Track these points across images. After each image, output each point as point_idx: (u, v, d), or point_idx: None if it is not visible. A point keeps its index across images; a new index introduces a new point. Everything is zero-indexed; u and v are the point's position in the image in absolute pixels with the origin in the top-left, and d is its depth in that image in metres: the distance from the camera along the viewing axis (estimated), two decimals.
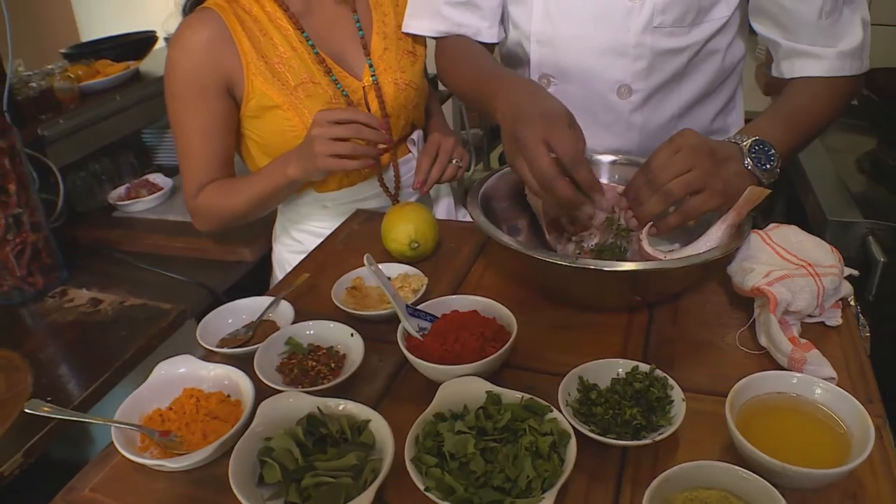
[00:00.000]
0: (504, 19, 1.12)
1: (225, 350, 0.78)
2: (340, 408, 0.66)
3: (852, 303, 0.83)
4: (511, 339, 0.72)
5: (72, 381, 1.00)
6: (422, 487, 0.56)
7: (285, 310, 0.85)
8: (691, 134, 0.83)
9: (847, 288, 0.83)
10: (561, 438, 0.61)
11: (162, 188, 1.58)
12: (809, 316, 0.80)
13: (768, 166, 0.85)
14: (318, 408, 0.66)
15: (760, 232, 0.85)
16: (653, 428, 0.63)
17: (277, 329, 0.82)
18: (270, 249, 1.31)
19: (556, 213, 0.93)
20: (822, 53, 0.95)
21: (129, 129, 1.64)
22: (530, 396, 0.65)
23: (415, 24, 1.14)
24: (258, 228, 1.32)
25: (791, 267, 0.79)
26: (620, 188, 0.92)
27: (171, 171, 1.68)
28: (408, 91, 1.18)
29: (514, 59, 1.15)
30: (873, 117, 1.44)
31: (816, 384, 0.63)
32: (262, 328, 0.84)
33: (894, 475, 0.59)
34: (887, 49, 1.52)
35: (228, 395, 0.72)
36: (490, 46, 1.13)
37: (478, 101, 1.00)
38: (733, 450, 0.61)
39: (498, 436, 0.61)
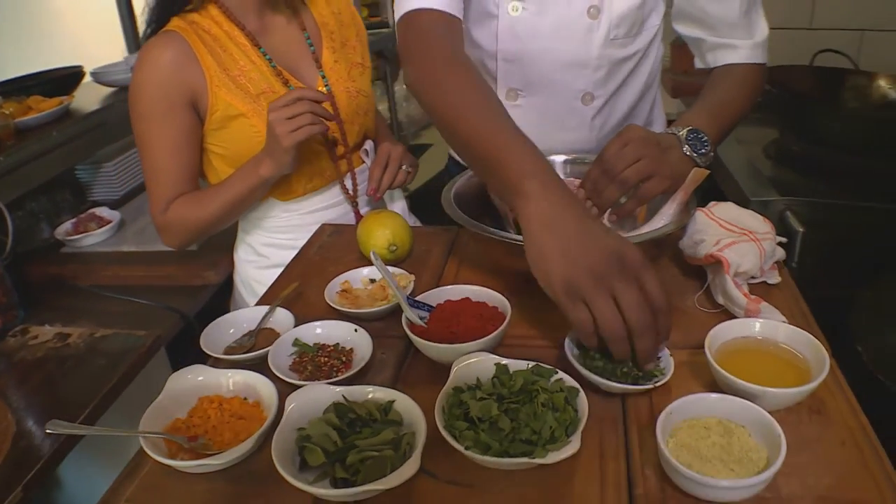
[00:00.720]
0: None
1: (234, 357, 0.81)
2: (363, 393, 0.71)
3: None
4: (508, 316, 0.79)
5: (59, 412, 0.98)
6: (462, 448, 0.62)
7: (283, 316, 0.88)
8: (636, 128, 0.93)
9: (780, 252, 0.95)
10: (571, 393, 0.68)
11: (111, 221, 1.56)
12: (752, 277, 0.91)
13: (703, 151, 0.96)
14: (343, 395, 0.70)
15: (704, 209, 0.96)
16: (647, 378, 0.72)
17: (277, 335, 0.86)
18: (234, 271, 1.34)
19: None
20: (740, 45, 1.09)
21: (66, 164, 1.61)
22: (536, 363, 0.72)
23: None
24: (221, 250, 1.34)
25: (735, 235, 0.91)
26: (577, 182, 1.01)
27: (112, 206, 1.65)
28: (359, 98, 1.26)
29: None
30: (775, 109, 1.63)
31: (777, 326, 0.74)
32: (262, 336, 0.87)
33: (845, 392, 0.71)
34: (783, 49, 1.73)
35: (246, 398, 0.75)
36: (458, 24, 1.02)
37: (481, 160, 0.84)
38: (716, 387, 0.70)
39: (515, 398, 0.68)
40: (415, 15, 0.97)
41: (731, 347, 0.74)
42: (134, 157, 1.91)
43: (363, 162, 1.30)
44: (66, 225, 1.56)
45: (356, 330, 0.83)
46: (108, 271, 1.40)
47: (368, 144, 1.30)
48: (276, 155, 1.08)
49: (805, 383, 0.66)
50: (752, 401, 0.64)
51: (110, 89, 1.92)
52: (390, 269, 0.98)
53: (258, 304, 0.94)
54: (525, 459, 0.60)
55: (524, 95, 1.17)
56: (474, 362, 0.74)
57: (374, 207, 1.32)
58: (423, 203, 1.39)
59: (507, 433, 0.64)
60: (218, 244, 1.25)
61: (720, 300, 0.88)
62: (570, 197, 0.75)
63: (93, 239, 1.52)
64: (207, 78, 1.12)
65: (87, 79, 1.92)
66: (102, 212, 1.60)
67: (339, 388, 0.71)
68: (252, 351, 0.83)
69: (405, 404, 0.69)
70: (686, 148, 0.96)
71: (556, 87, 1.14)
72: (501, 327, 0.77)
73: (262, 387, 0.74)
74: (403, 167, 1.28)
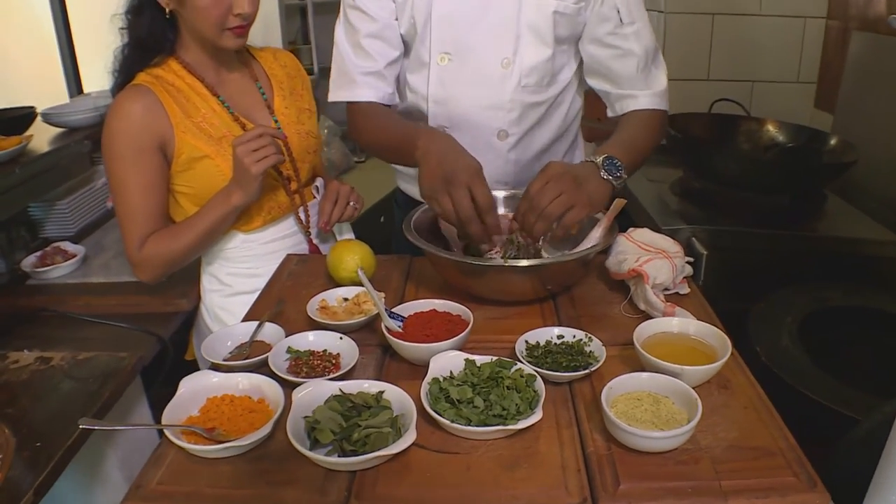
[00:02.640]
0: (400, 86, 1.39)
1: (235, 363, 0.92)
2: (357, 386, 0.84)
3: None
4: (471, 321, 0.95)
5: (56, 425, 1.04)
6: (448, 422, 0.76)
7: (272, 330, 1.00)
8: (556, 165, 1.10)
9: (688, 268, 1.15)
10: (529, 378, 0.83)
11: (75, 254, 1.62)
12: (666, 289, 1.10)
13: (618, 174, 1.12)
14: (340, 388, 0.83)
15: (625, 234, 1.15)
16: (584, 367, 0.89)
17: (268, 347, 0.97)
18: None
19: (467, 241, 1.18)
20: (640, 95, 1.32)
21: (25, 202, 1.66)
22: (497, 357, 0.88)
23: (341, 93, 1.34)
24: (190, 280, 1.43)
25: (651, 254, 1.10)
26: (510, 215, 1.19)
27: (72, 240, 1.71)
28: (308, 139, 1.43)
29: (413, 116, 1.40)
30: (679, 151, 1.88)
31: (689, 322, 0.93)
32: (255, 347, 0.98)
33: (745, 371, 0.90)
34: (684, 98, 2.00)
35: (250, 396, 0.86)
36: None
37: (396, 148, 1.24)
38: (643, 371, 0.87)
39: (485, 384, 0.83)
40: (353, 105, 1.33)
41: (654, 340, 0.92)
42: (86, 195, 1.96)
43: (314, 197, 1.46)
44: (31, 258, 1.59)
45: (341, 338, 0.96)
46: (80, 301, 1.45)
47: (319, 181, 1.47)
48: (245, 183, 1.22)
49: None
50: (674, 377, 0.81)
51: (59, 130, 1.98)
52: (362, 289, 1.12)
53: (245, 320, 1.05)
54: (500, 427, 0.75)
55: (449, 131, 1.33)
56: (447, 359, 0.88)
57: (326, 238, 1.47)
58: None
59: (481, 410, 0.79)
60: (186, 275, 1.33)
61: (642, 307, 1.06)
62: (444, 140, 1.11)
63: (60, 271, 1.57)
64: (174, 124, 1.26)
65: (39, 119, 1.97)
66: (66, 245, 1.65)
67: (336, 383, 0.84)
68: (249, 358, 0.94)
69: (393, 393, 0.82)
70: (603, 172, 1.11)
71: (475, 125, 1.33)
72: (467, 329, 0.93)
73: (267, 386, 0.85)
74: (351, 203, 1.44)
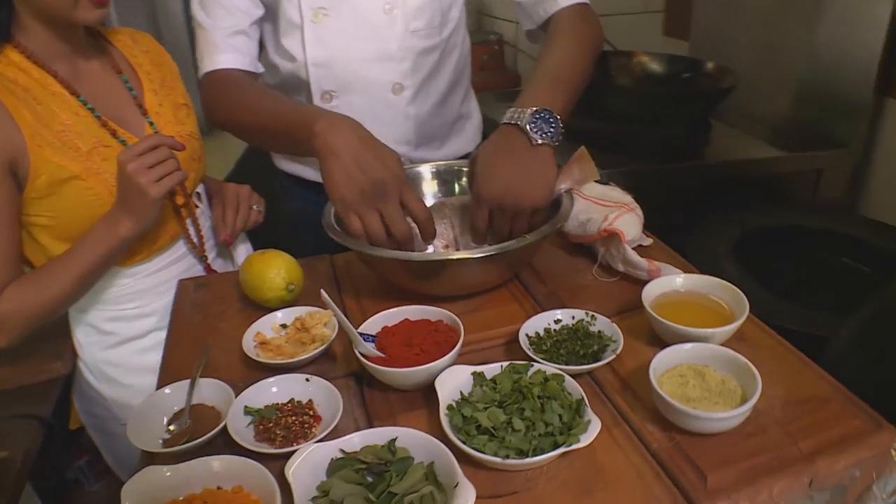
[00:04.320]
0: (268, 56, 1.21)
1: (184, 446, 0.70)
2: (357, 442, 0.67)
3: None
4: (460, 326, 0.80)
5: None
6: (502, 459, 0.62)
7: (212, 387, 0.79)
8: (481, 178, 0.92)
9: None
10: (558, 379, 0.71)
11: None
12: (633, 242, 1.03)
13: (551, 131, 0.91)
14: (341, 449, 0.66)
15: (574, 192, 1.05)
16: (604, 351, 0.78)
17: (212, 409, 0.77)
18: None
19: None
20: None
21: None
22: (509, 362, 0.75)
23: (220, 58, 1.12)
24: (60, 336, 1.13)
25: (614, 208, 1.01)
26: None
27: None
28: (192, 142, 1.16)
29: (292, 87, 1.21)
30: None
31: (694, 279, 0.86)
32: (195, 412, 0.77)
33: (753, 318, 0.84)
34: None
35: (220, 487, 0.66)
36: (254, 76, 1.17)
37: (280, 132, 1.02)
38: (655, 340, 0.80)
39: (510, 400, 0.70)
40: (214, 74, 1.12)
41: (663, 301, 0.84)
42: None
43: (198, 207, 1.20)
44: None
45: (307, 379, 0.78)
46: None
47: (201, 188, 1.21)
48: (140, 210, 0.96)
49: (732, 321, 0.77)
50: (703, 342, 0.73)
51: None
52: (305, 308, 0.93)
53: (160, 385, 0.82)
54: (563, 449, 0.63)
55: (338, 96, 1.18)
56: (452, 378, 0.74)
57: (220, 253, 1.24)
58: None
59: (524, 432, 0.65)
60: (53, 329, 1.06)
61: (620, 268, 0.98)
62: (351, 128, 0.92)
63: None
64: (26, 136, 0.94)
65: None
66: None
67: (330, 444, 0.66)
68: (195, 431, 0.73)
69: (408, 437, 0.67)
70: (534, 137, 0.90)
71: (367, 83, 1.18)
72: (460, 337, 0.78)
73: (243, 468, 0.66)
74: (254, 207, 1.21)
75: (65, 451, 0.64)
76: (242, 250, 1.29)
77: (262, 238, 1.24)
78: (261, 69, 1.18)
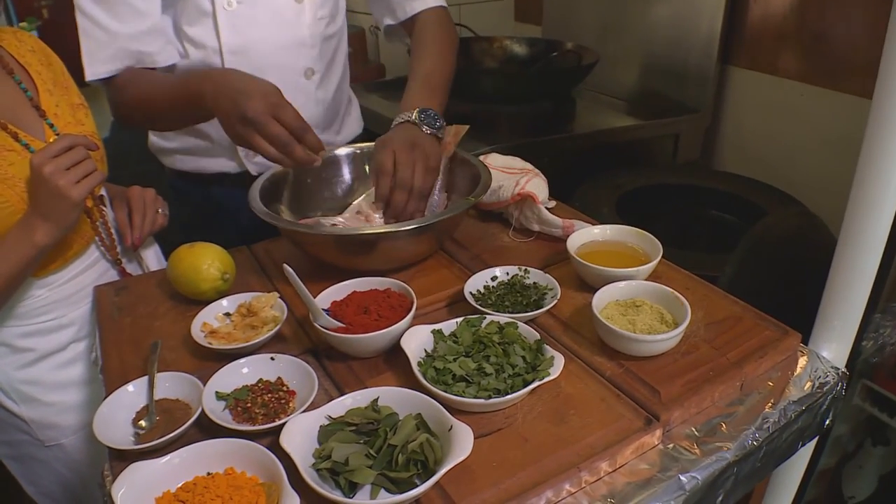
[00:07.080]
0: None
1: (163, 439, 0.69)
2: (341, 407, 0.70)
3: None
4: (410, 290, 0.85)
5: None
6: (484, 400, 0.68)
7: (171, 379, 0.77)
8: (388, 137, 1.04)
9: None
10: (510, 326, 0.78)
11: None
12: (542, 202, 1.12)
13: (438, 125, 1.08)
14: (327, 415, 0.69)
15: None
16: (544, 297, 0.87)
17: (177, 401, 0.76)
18: None
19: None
20: None
21: None
22: (464, 317, 0.81)
23: (99, 68, 1.08)
24: None
25: (522, 174, 1.10)
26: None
27: None
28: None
29: None
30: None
31: (613, 229, 0.96)
32: (161, 406, 0.75)
33: (672, 266, 0.96)
34: None
35: (209, 472, 0.66)
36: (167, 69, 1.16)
37: (184, 106, 1.05)
38: (584, 284, 0.90)
39: (477, 349, 0.76)
40: (111, 80, 1.12)
41: (588, 249, 0.94)
42: None
43: (104, 209, 1.13)
44: None
45: (273, 358, 0.79)
46: None
47: (103, 191, 1.15)
48: (59, 214, 0.89)
49: (648, 261, 0.89)
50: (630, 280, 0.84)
51: None
52: (249, 295, 0.92)
53: (108, 392, 0.78)
54: (538, 382, 0.70)
55: None
56: (415, 337, 0.78)
57: (131, 257, 1.18)
58: None
59: (496, 375, 0.72)
60: None
61: (536, 228, 1.07)
62: (228, 74, 0.98)
63: None
64: None
65: None
66: None
67: (314, 413, 0.69)
68: (166, 426, 0.72)
69: (388, 395, 0.70)
70: (425, 128, 1.06)
71: (281, 68, 1.21)
72: (413, 299, 0.84)
73: (230, 448, 0.66)
74: (160, 210, 1.17)
75: None
76: (151, 253, 1.25)
77: (170, 238, 1.20)
78: (171, 60, 1.16)
